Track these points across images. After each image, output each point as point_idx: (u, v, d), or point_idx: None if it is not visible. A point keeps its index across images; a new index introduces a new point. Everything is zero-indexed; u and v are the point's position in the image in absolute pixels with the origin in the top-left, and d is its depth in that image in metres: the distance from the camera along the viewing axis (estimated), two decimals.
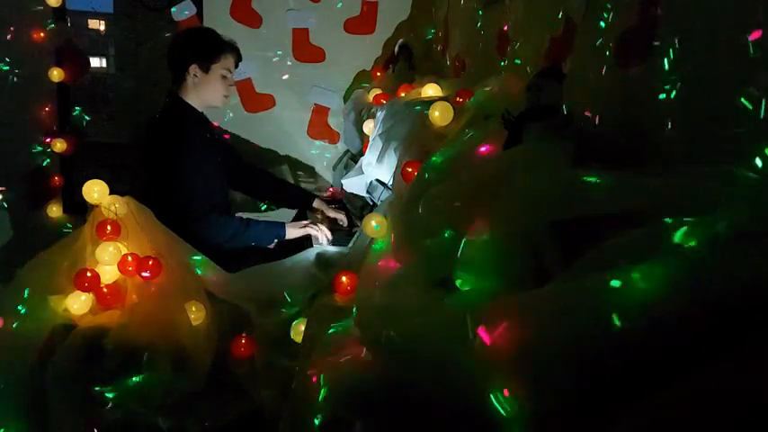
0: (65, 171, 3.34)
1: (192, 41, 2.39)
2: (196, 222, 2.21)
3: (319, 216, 2.65)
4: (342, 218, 2.62)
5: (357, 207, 2.54)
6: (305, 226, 2.39)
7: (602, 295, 0.65)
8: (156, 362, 1.59)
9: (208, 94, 2.39)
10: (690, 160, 1.01)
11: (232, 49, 2.42)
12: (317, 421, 0.95)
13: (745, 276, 0.60)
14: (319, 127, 3.30)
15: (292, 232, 2.38)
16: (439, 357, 0.86)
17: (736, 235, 0.66)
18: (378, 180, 2.12)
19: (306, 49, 3.20)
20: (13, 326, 1.68)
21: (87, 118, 3.49)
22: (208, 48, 2.37)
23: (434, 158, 1.42)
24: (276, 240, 2.40)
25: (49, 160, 3.26)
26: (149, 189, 2.40)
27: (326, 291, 1.73)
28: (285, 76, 3.21)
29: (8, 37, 3.09)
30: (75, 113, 3.36)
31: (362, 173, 2.24)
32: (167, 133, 2.32)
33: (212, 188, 2.37)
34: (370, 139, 2.16)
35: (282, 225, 2.41)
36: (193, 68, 2.34)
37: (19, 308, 1.71)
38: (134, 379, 1.57)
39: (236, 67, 2.48)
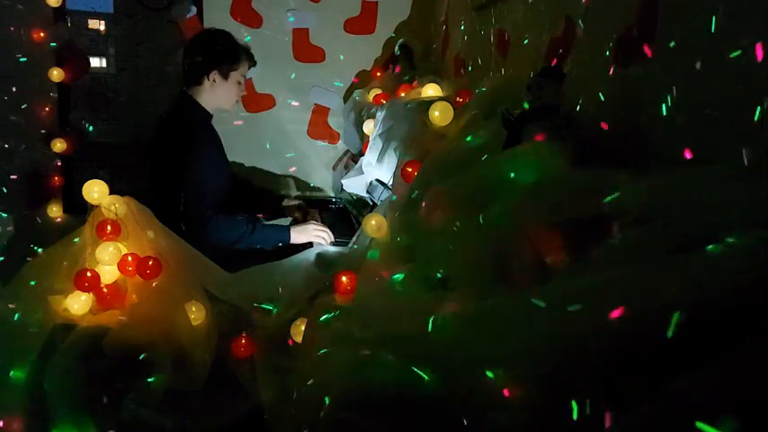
0: (65, 171, 3.34)
1: (214, 47, 2.40)
2: (204, 223, 2.22)
3: (297, 214, 2.69)
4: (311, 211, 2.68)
5: (357, 207, 2.54)
6: (312, 233, 2.38)
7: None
8: (156, 362, 1.59)
9: (222, 98, 2.42)
10: (690, 160, 1.01)
11: (249, 57, 2.46)
12: (317, 421, 0.95)
13: (745, 276, 0.60)
14: (319, 127, 3.30)
15: (297, 237, 2.37)
16: (438, 357, 0.86)
17: (734, 235, 0.66)
18: (378, 180, 2.12)
19: (306, 49, 3.20)
20: (14, 326, 1.68)
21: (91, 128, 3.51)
22: (229, 54, 2.39)
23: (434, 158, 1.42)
24: (280, 244, 2.39)
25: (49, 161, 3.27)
26: (155, 188, 2.41)
27: (326, 291, 1.73)
28: (285, 76, 3.21)
29: (8, 37, 3.09)
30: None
31: (362, 173, 2.24)
32: (181, 133, 2.33)
33: (221, 188, 2.38)
34: (370, 139, 2.16)
35: (287, 229, 2.40)
36: (214, 74, 2.37)
37: (19, 308, 1.71)
38: (134, 379, 1.57)
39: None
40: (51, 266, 1.82)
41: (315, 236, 2.36)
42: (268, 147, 3.26)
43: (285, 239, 2.36)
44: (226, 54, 2.39)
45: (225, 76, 2.38)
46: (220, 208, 2.30)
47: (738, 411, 0.49)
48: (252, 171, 3.25)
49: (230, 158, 2.65)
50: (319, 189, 3.33)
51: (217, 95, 2.41)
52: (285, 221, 2.72)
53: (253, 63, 2.49)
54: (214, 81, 2.37)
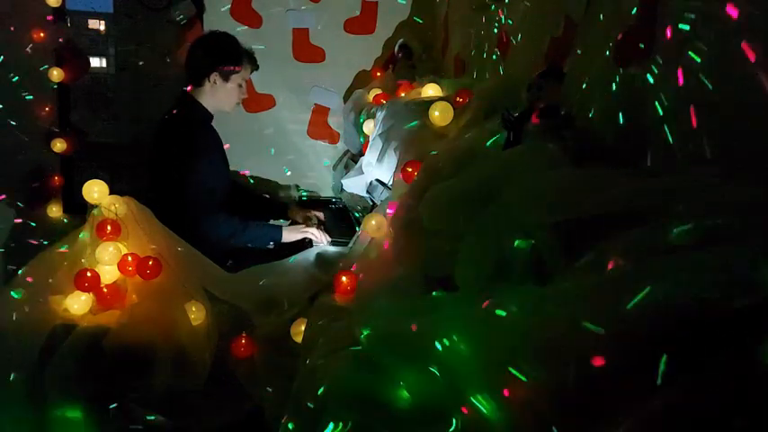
0: (65, 171, 3.34)
1: (216, 49, 2.43)
2: (201, 220, 2.24)
3: (300, 217, 2.70)
4: (317, 214, 2.70)
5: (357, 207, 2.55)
6: (302, 230, 2.43)
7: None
8: (156, 362, 1.59)
9: (223, 100, 2.45)
10: (690, 160, 1.01)
11: (251, 60, 2.49)
12: (317, 421, 0.95)
13: (745, 276, 0.60)
14: (319, 127, 3.30)
15: (289, 236, 2.43)
16: (437, 357, 0.85)
17: (735, 235, 0.66)
18: (378, 180, 2.12)
19: (306, 49, 3.19)
20: (13, 326, 1.68)
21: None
22: (231, 58, 2.42)
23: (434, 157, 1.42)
24: (273, 243, 2.43)
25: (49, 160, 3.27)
26: (155, 187, 2.43)
27: (326, 291, 1.73)
28: (285, 77, 3.21)
29: (8, 37, 3.09)
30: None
31: (362, 173, 2.24)
32: (182, 132, 2.36)
33: (221, 189, 2.41)
34: (370, 139, 2.16)
35: (279, 228, 2.47)
36: (214, 76, 2.39)
37: (19, 308, 1.71)
38: (134, 379, 1.57)
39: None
40: (51, 266, 1.82)
41: (302, 232, 2.42)
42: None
43: (277, 238, 2.42)
44: (228, 57, 2.41)
45: (225, 79, 2.40)
46: (220, 208, 2.32)
47: (737, 413, 0.49)
48: (252, 173, 3.24)
49: (230, 159, 2.66)
50: (319, 189, 3.32)
51: (217, 97, 2.43)
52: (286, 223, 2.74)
53: (255, 67, 2.52)
54: (215, 83, 2.40)
